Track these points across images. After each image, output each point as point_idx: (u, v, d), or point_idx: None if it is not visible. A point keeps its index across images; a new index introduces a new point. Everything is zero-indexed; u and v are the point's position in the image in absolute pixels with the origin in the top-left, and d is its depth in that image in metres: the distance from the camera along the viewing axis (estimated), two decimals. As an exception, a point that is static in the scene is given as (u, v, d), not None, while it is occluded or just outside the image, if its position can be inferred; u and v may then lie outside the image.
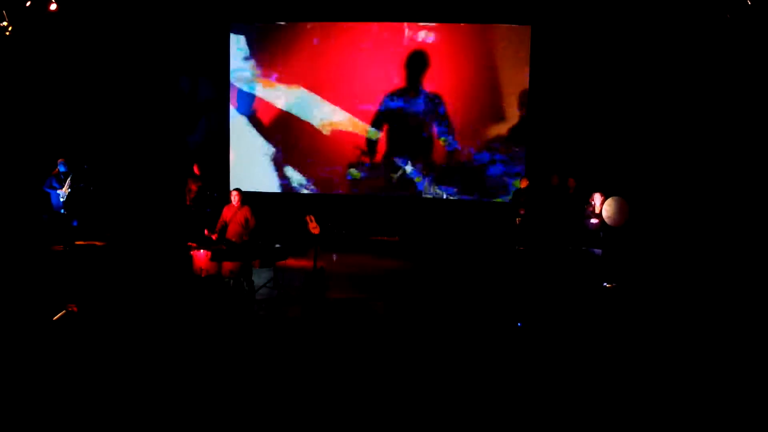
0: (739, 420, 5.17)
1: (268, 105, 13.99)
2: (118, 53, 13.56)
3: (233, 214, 8.94)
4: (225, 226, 8.92)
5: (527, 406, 5.35)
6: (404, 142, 13.65)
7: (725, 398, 5.53)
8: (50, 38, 12.72)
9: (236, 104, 14.08)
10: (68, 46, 13.13)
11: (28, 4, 11.08)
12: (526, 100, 13.18)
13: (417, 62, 13.50)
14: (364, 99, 13.67)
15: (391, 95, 13.58)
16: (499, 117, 13.32)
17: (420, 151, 13.61)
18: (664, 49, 12.15)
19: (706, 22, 11.44)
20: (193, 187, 11.99)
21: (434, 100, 13.48)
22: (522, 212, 11.75)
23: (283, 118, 13.94)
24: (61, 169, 11.48)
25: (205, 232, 8.94)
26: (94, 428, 4.83)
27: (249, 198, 9.18)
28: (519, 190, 12.02)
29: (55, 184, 11.41)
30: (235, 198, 8.99)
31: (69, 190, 11.40)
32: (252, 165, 14.08)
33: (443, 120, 13.49)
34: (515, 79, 13.21)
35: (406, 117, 13.58)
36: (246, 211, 8.92)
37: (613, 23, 12.33)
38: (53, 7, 11.39)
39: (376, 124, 13.69)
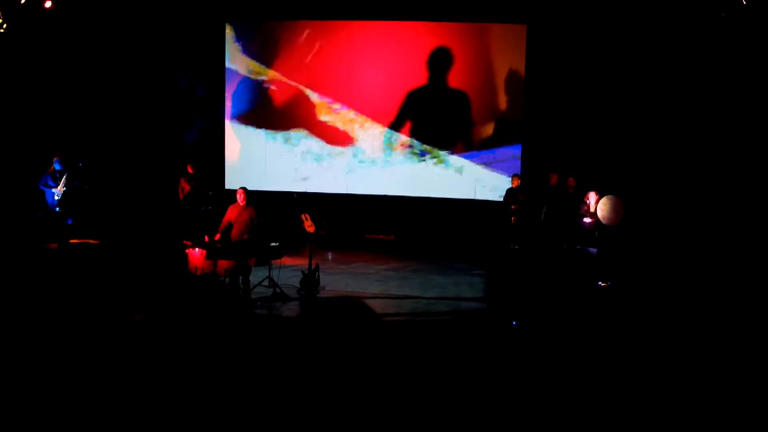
0: (736, 418, 5.18)
1: (264, 105, 13.98)
2: (114, 51, 13.52)
3: (238, 213, 8.85)
4: (229, 226, 8.85)
5: (523, 405, 5.36)
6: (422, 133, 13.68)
7: (721, 396, 5.55)
8: (45, 36, 12.68)
9: (233, 102, 14.07)
10: (63, 43, 13.09)
11: (23, 1, 11.05)
12: (521, 99, 13.18)
13: (438, 60, 13.48)
14: (362, 99, 13.67)
15: (412, 93, 13.58)
16: (495, 116, 13.33)
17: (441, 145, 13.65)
18: (660, 48, 12.17)
19: (701, 21, 11.45)
20: (186, 186, 11.99)
21: (459, 96, 13.47)
22: (513, 208, 11.77)
23: (281, 118, 13.94)
24: (57, 167, 11.46)
25: (206, 239, 8.79)
26: (86, 428, 4.82)
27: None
28: (510, 189, 12.02)
29: (50, 182, 11.38)
30: (240, 197, 8.88)
31: (64, 188, 11.37)
32: (248, 163, 14.06)
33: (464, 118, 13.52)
34: (511, 79, 13.21)
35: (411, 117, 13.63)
36: (251, 211, 8.84)
37: (609, 22, 12.33)
38: (48, 4, 11.37)
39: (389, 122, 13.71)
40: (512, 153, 13.27)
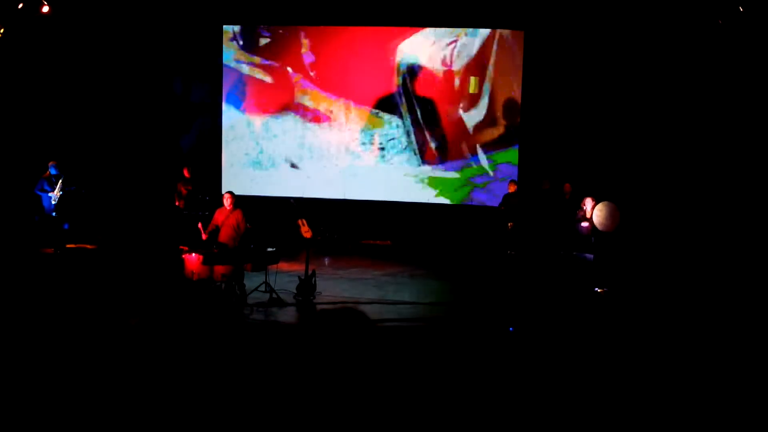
0: (733, 423, 5.18)
1: (262, 108, 13.99)
2: (111, 55, 13.52)
3: (225, 217, 8.88)
4: (217, 230, 8.87)
5: (519, 410, 5.36)
6: (400, 143, 13.66)
7: (716, 402, 5.55)
8: (42, 40, 12.67)
9: (230, 106, 14.07)
10: (60, 48, 13.08)
11: (20, 6, 11.06)
12: (519, 105, 13.21)
13: (410, 67, 13.51)
14: (358, 101, 13.67)
15: (384, 99, 13.58)
16: (492, 122, 13.35)
17: (414, 152, 13.63)
18: (658, 55, 12.21)
19: (698, 27, 11.50)
20: (183, 191, 11.97)
21: (427, 105, 13.50)
22: (502, 209, 11.79)
23: (278, 122, 13.94)
24: (52, 171, 11.43)
25: (199, 225, 8.89)
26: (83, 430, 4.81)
27: (241, 201, 9.15)
28: (507, 194, 12.04)
29: (46, 187, 11.36)
30: (227, 201, 8.92)
31: (60, 192, 11.35)
32: (244, 168, 14.06)
33: (436, 125, 13.51)
34: (508, 84, 13.24)
35: (402, 119, 13.59)
36: (238, 215, 8.87)
37: (607, 29, 12.38)
38: (45, 9, 11.38)
39: (369, 125, 13.69)
40: (509, 158, 13.27)
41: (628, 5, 12.07)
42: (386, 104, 13.60)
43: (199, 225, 8.94)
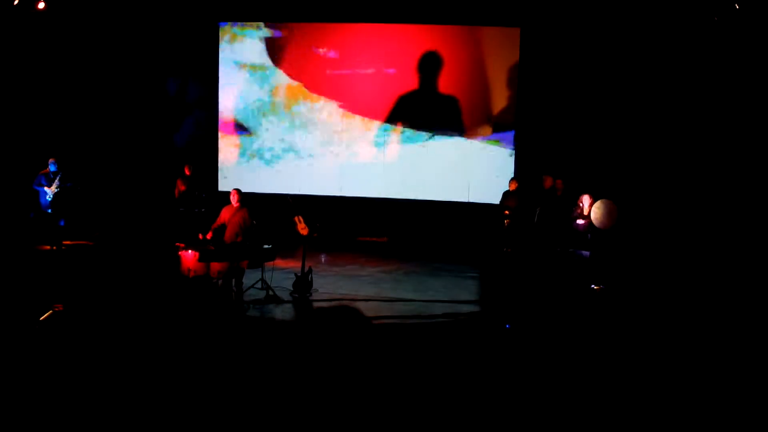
0: (731, 420, 5.19)
1: (258, 106, 13.97)
2: (107, 53, 13.48)
3: (232, 214, 8.85)
4: (223, 227, 8.83)
5: (516, 407, 5.36)
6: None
7: (713, 399, 5.56)
8: (38, 37, 12.63)
9: (226, 103, 14.05)
10: (57, 45, 13.04)
11: (16, 2, 11.03)
12: (515, 101, 13.20)
13: (429, 64, 13.48)
14: (355, 101, 13.67)
15: (402, 97, 13.59)
16: (488, 118, 13.34)
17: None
18: (653, 52, 12.20)
19: (694, 24, 11.50)
20: (182, 188, 11.95)
21: (448, 101, 13.49)
22: (507, 213, 11.77)
23: (274, 119, 13.92)
24: (52, 168, 11.42)
25: (199, 236, 8.83)
26: (79, 428, 4.80)
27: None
28: (507, 192, 12.03)
29: (44, 182, 11.35)
30: (234, 198, 8.89)
31: (56, 189, 11.33)
32: (242, 165, 14.05)
33: (436, 119, 13.51)
34: (504, 81, 13.22)
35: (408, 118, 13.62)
36: (244, 213, 8.84)
37: (603, 26, 12.37)
38: (41, 5, 11.35)
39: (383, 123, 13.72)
40: (505, 155, 13.27)
41: (624, 2, 12.06)
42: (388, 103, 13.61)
43: (200, 236, 8.87)
